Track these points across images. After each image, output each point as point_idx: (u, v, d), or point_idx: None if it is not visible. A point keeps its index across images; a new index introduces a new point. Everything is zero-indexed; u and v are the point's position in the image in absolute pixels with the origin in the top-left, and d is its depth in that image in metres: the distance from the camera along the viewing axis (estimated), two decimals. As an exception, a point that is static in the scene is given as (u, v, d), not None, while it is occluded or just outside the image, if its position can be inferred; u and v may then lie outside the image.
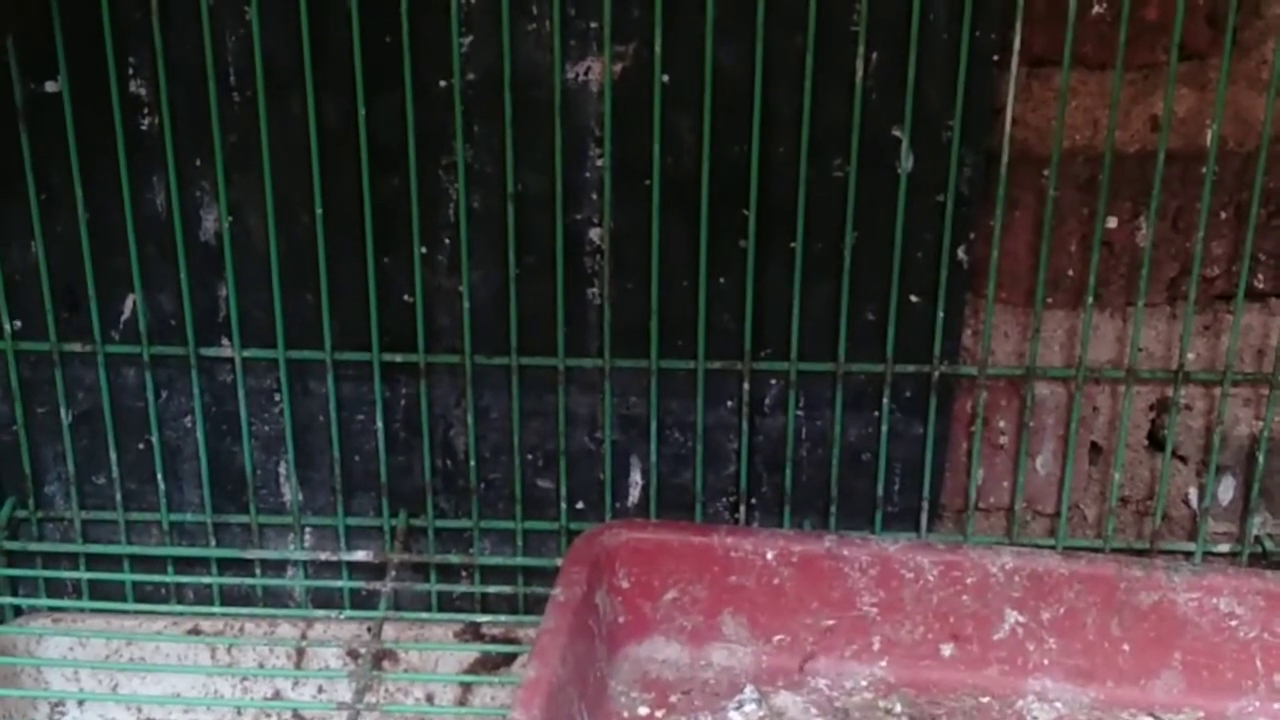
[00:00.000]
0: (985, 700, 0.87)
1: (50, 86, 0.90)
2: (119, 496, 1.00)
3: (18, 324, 0.96)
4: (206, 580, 1.01)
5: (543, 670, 0.76)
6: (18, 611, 1.01)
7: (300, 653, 0.99)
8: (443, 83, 0.89)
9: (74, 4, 0.88)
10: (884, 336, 0.93)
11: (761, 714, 0.85)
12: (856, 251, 0.91)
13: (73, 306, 0.95)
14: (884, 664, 0.88)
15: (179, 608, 1.01)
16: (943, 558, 0.88)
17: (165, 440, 0.99)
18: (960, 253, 0.92)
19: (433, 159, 0.91)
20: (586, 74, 0.89)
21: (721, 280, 0.93)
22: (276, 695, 0.99)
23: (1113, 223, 0.93)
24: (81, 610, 1.00)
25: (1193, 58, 0.89)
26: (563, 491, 0.99)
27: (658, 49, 0.87)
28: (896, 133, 0.89)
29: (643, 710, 0.85)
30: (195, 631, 0.99)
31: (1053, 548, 0.97)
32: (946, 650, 0.88)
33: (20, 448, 0.99)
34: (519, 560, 1.01)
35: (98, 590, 1.01)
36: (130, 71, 0.90)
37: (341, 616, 0.99)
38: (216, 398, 0.98)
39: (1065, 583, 0.87)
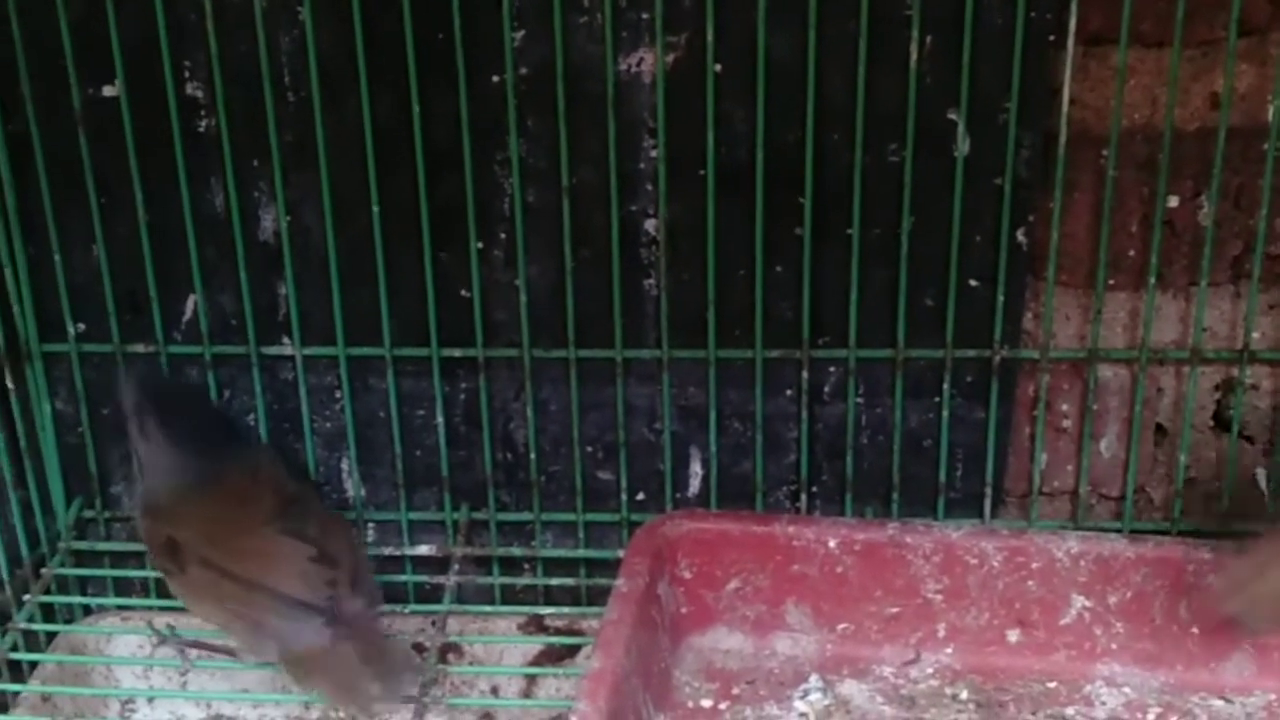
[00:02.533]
0: (1053, 686, 0.86)
1: (108, 90, 0.91)
2: (184, 495, 1.01)
3: (81, 326, 0.97)
4: (272, 577, 1.02)
5: (607, 661, 0.76)
6: (87, 610, 1.02)
7: (366, 647, 0.99)
8: (495, 78, 0.89)
9: (130, 8, 0.88)
10: (943, 322, 0.93)
11: (827, 702, 0.85)
12: (914, 236, 0.91)
13: (135, 308, 0.96)
14: (950, 651, 0.88)
15: (245, 604, 1.02)
16: (1007, 543, 0.87)
17: (229, 439, 0.99)
18: (1019, 235, 0.91)
19: (487, 154, 0.91)
20: (639, 65, 0.89)
21: (778, 269, 0.93)
22: (343, 690, 1.00)
23: (1174, 202, 0.92)
24: (150, 608, 1.01)
25: (1252, 33, 0.88)
26: (623, 483, 0.99)
27: (710, 38, 0.87)
28: (952, 116, 0.88)
29: (707, 700, 0.85)
30: (262, 628, 1.00)
31: (1119, 531, 0.96)
32: (1013, 636, 0.87)
33: (86, 449, 1.00)
34: (581, 552, 1.01)
35: (165, 588, 1.02)
36: (186, 74, 0.90)
37: (406, 611, 0.99)
38: (278, 395, 0.98)
39: (1131, 566, 0.86)
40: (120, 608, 1.01)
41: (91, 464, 1.01)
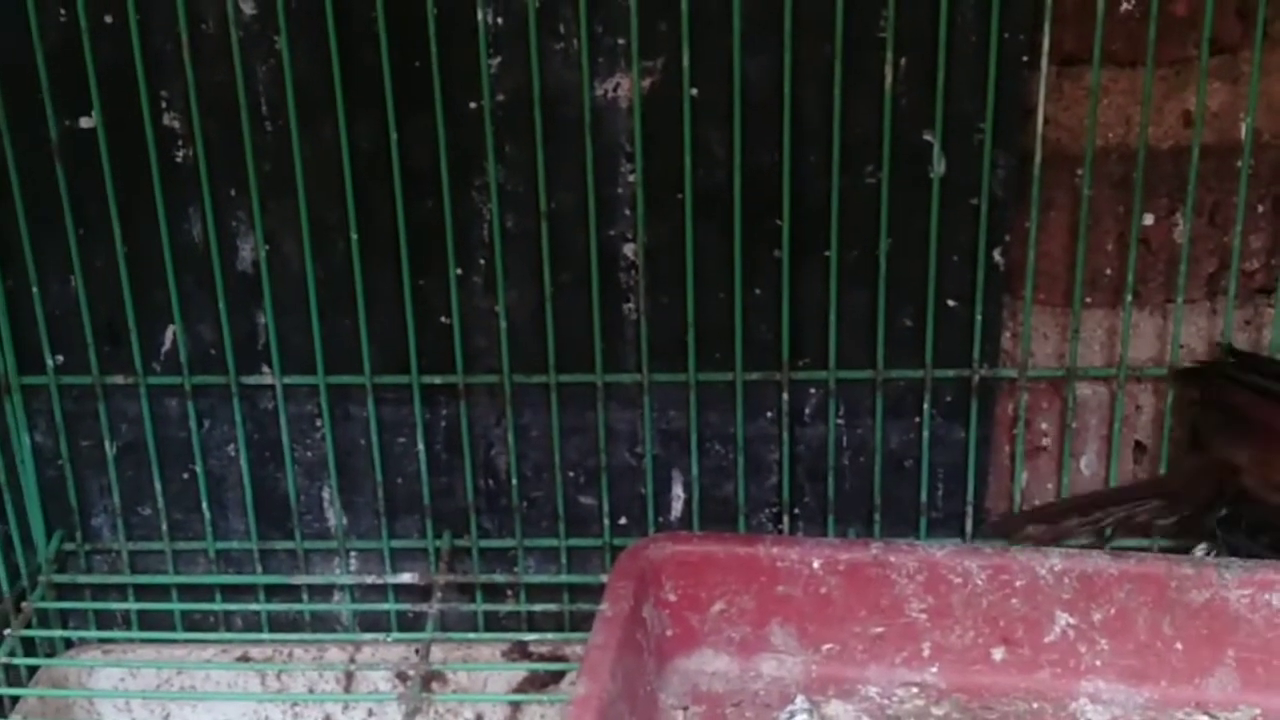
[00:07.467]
0: (1038, 704, 0.86)
1: (85, 122, 0.91)
2: (165, 527, 1.00)
3: (60, 358, 0.97)
4: (254, 607, 1.02)
5: (593, 686, 0.76)
6: (68, 644, 1.01)
7: (349, 676, 0.99)
8: (473, 104, 0.89)
9: (106, 39, 0.88)
10: (922, 342, 0.93)
11: (813, 724, 0.85)
12: (891, 257, 0.91)
13: (114, 339, 0.96)
14: (934, 670, 0.88)
15: (228, 635, 1.02)
16: (990, 561, 0.87)
17: (209, 469, 0.99)
18: (996, 255, 0.92)
19: (465, 180, 0.91)
20: (615, 90, 0.89)
21: (757, 291, 0.93)
22: (327, 719, 0.99)
23: (1149, 220, 0.92)
24: (131, 641, 1.01)
25: (1224, 52, 0.89)
26: (605, 508, 0.99)
27: (685, 63, 0.87)
28: (928, 137, 0.89)
29: (693, 723, 0.85)
30: (244, 658, 1.00)
31: (1100, 548, 0.96)
32: (997, 654, 0.87)
33: (66, 481, 1.00)
34: (564, 578, 1.01)
35: (147, 620, 1.02)
36: (163, 105, 0.90)
37: (389, 639, 0.99)
38: (258, 425, 0.98)
39: (1115, 583, 0.86)
40: (101, 641, 1.01)
41: (72, 497, 1.00)
